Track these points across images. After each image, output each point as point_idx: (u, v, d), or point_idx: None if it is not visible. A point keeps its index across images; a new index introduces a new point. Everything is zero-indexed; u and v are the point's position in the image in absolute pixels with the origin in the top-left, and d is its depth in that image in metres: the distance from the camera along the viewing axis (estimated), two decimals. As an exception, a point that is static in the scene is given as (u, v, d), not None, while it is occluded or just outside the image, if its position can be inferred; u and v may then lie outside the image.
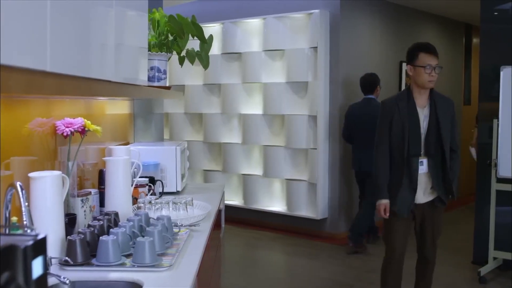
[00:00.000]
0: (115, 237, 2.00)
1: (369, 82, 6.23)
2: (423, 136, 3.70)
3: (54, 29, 1.28)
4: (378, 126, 3.83)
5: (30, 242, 0.92)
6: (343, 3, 6.69)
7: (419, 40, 8.17)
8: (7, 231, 1.54)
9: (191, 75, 7.58)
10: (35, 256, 0.92)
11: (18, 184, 1.50)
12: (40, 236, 0.97)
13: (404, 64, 7.68)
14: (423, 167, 3.72)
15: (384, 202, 3.80)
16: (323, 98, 6.64)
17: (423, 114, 3.71)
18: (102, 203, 2.61)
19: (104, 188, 2.60)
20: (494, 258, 5.34)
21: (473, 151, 6.87)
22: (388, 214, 3.80)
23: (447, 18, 8.79)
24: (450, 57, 9.04)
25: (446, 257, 5.98)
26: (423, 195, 3.80)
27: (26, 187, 1.93)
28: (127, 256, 2.04)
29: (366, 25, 7.15)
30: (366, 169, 5.62)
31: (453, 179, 3.80)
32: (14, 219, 1.80)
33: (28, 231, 1.40)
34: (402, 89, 7.71)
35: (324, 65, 6.62)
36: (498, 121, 5.17)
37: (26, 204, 1.47)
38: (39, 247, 0.95)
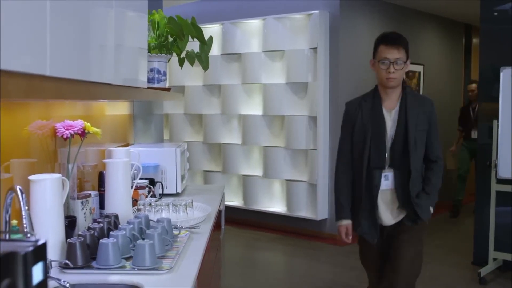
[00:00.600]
0: (115, 239, 2.00)
1: None
2: (388, 145, 3.06)
3: (53, 32, 1.28)
4: (340, 133, 3.28)
5: (30, 248, 0.91)
6: (342, 4, 6.69)
7: (419, 40, 8.23)
8: (7, 236, 1.54)
9: (191, 76, 7.57)
10: (35, 262, 0.92)
11: (18, 188, 1.50)
12: (40, 242, 0.96)
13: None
14: (388, 182, 3.09)
15: (345, 224, 3.19)
16: (323, 99, 6.64)
17: (391, 119, 3.07)
18: (102, 205, 2.60)
19: (104, 190, 2.60)
20: (494, 259, 5.34)
21: (450, 161, 7.35)
22: (350, 237, 3.19)
23: (447, 18, 8.79)
24: (450, 57, 9.05)
25: (446, 257, 5.99)
26: (390, 215, 3.14)
27: (26, 190, 1.93)
28: (127, 258, 2.04)
29: (365, 26, 7.15)
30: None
31: (430, 192, 3.13)
32: (14, 222, 1.80)
33: (28, 235, 1.40)
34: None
35: (324, 66, 6.62)
36: (498, 121, 5.17)
37: (26, 208, 1.47)
38: (39, 252, 0.95)
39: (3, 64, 1.02)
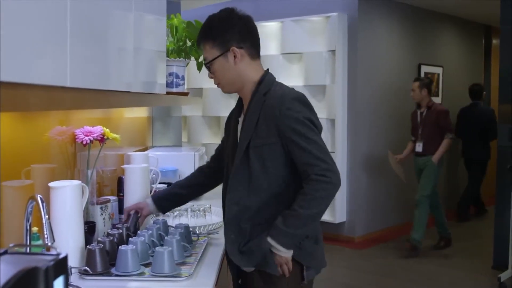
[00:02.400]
0: (134, 246, 2.01)
1: (475, 91, 7.74)
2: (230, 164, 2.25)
3: (73, 43, 1.29)
4: None
5: (52, 263, 0.92)
6: (361, 6, 6.67)
7: (438, 42, 8.17)
8: (28, 243, 1.55)
9: (209, 78, 7.57)
10: (56, 276, 0.92)
11: (38, 196, 1.51)
12: (62, 256, 0.97)
13: (423, 67, 7.67)
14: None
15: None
16: (341, 101, 6.62)
17: (241, 124, 2.22)
18: (121, 210, 2.62)
19: (123, 195, 2.61)
20: (515, 264, 5.28)
21: (398, 168, 6.34)
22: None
23: (466, 19, 8.72)
24: (470, 59, 8.98)
25: (465, 261, 5.94)
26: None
27: (46, 195, 1.95)
28: (146, 265, 2.05)
29: (384, 28, 7.11)
30: (472, 157, 7.76)
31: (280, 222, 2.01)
32: (34, 229, 1.81)
33: (49, 244, 1.41)
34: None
35: (342, 68, 6.60)
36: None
37: (47, 217, 1.48)
38: (61, 266, 0.96)
39: (25, 78, 1.03)
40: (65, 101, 1.25)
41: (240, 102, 2.27)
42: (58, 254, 0.96)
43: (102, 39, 1.58)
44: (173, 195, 2.48)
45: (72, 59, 1.27)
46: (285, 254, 2.02)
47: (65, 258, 0.98)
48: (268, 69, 2.22)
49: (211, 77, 2.21)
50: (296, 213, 1.98)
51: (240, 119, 2.21)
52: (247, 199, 2.07)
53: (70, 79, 1.26)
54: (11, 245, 1.02)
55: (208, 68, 2.18)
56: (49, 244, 1.47)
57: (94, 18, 1.48)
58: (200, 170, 2.59)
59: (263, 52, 2.29)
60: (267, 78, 2.15)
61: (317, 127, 2.09)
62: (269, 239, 2.01)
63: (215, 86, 2.25)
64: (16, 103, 1.00)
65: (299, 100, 2.07)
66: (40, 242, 1.83)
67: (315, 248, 2.18)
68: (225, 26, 2.13)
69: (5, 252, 0.99)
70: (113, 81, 1.67)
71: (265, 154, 2.05)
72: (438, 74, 8.10)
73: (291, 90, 2.11)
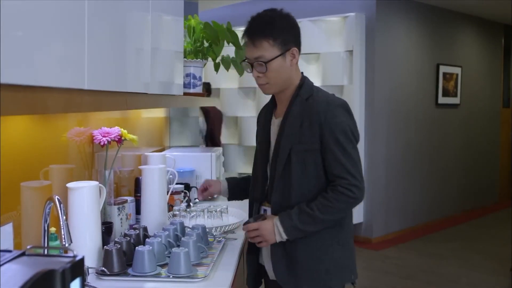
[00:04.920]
0: (150, 247, 2.01)
1: None
2: (270, 167, 2.22)
3: (91, 45, 1.30)
4: None
5: (68, 265, 0.93)
6: (378, 6, 6.64)
7: (456, 42, 8.11)
8: (45, 244, 1.56)
9: (226, 79, 7.59)
10: (73, 278, 0.93)
11: (56, 197, 1.52)
12: (78, 258, 0.98)
13: (441, 67, 7.61)
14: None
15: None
16: (359, 102, 6.60)
17: (275, 129, 2.23)
18: (138, 210, 2.63)
19: (140, 196, 2.62)
20: (534, 266, 5.23)
21: None
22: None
23: (485, 19, 8.65)
24: (489, 59, 8.90)
25: (483, 263, 5.89)
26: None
27: (64, 195, 1.96)
28: (163, 266, 2.05)
29: (402, 28, 7.08)
30: None
31: (299, 212, 2.06)
32: (52, 230, 1.83)
33: (66, 244, 1.43)
34: (438, 94, 7.62)
35: (359, 69, 6.58)
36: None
37: (64, 218, 1.49)
38: (77, 268, 0.96)
39: (43, 81, 1.04)
40: (83, 103, 1.26)
41: (272, 102, 2.29)
42: (74, 256, 0.97)
43: (120, 40, 1.59)
44: (247, 186, 2.48)
45: (90, 62, 1.28)
46: (280, 239, 2.11)
47: (82, 260, 0.98)
48: (303, 72, 2.22)
49: (258, 76, 2.11)
50: (313, 213, 2.04)
51: (276, 121, 2.22)
52: (289, 203, 2.12)
53: (88, 81, 1.26)
54: (28, 247, 1.03)
55: (262, 67, 2.08)
56: (67, 245, 1.48)
57: (111, 20, 1.49)
58: None
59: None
60: (306, 82, 2.18)
61: (356, 138, 2.11)
62: (277, 221, 2.10)
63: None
64: (34, 106, 1.01)
65: (344, 107, 2.10)
66: (58, 242, 1.85)
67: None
68: (287, 26, 2.12)
69: (23, 254, 1.00)
70: (130, 83, 1.68)
71: (307, 160, 2.08)
72: (457, 74, 8.03)
73: (335, 96, 2.15)
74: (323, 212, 2.04)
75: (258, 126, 2.37)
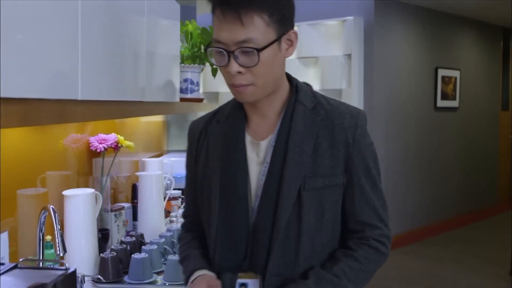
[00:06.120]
0: (146, 255, 2.02)
1: None
2: (253, 216, 1.42)
3: (85, 56, 1.30)
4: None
5: (60, 278, 0.93)
6: (377, 10, 6.64)
7: (455, 45, 8.12)
8: (41, 253, 1.56)
9: (224, 83, 7.50)
10: (64, 291, 0.93)
11: (51, 207, 1.52)
12: (70, 270, 0.98)
13: (440, 70, 7.62)
14: None
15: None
16: (357, 105, 6.56)
17: (259, 157, 1.45)
18: (135, 216, 2.63)
19: (137, 202, 2.63)
20: (533, 270, 5.23)
21: None
22: None
23: (484, 22, 8.66)
24: (488, 62, 8.90)
25: (482, 267, 5.89)
26: None
27: (61, 202, 1.97)
28: (159, 273, 2.05)
29: (400, 31, 7.08)
30: None
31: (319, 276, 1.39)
32: (48, 238, 1.83)
33: (60, 254, 1.43)
34: (437, 97, 7.62)
35: (358, 72, 6.58)
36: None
37: (59, 227, 1.49)
38: (69, 281, 0.97)
39: (35, 93, 1.04)
40: (76, 114, 1.26)
41: (240, 112, 1.50)
42: (67, 269, 0.97)
43: (114, 48, 1.59)
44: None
45: (83, 72, 1.28)
46: None
47: (74, 273, 0.98)
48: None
49: (239, 72, 1.34)
50: (339, 281, 1.39)
51: (262, 143, 1.45)
52: (294, 269, 1.40)
53: (82, 92, 1.27)
54: (21, 259, 1.03)
55: (250, 57, 1.32)
56: (61, 254, 1.49)
57: (105, 28, 1.49)
58: (191, 232, 1.63)
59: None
60: (300, 84, 1.50)
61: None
62: None
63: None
64: (26, 118, 1.02)
65: (366, 121, 1.49)
66: (53, 251, 1.85)
67: None
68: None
69: (15, 267, 1.00)
70: (125, 91, 1.68)
71: (325, 201, 1.41)
72: (456, 78, 8.03)
73: (349, 105, 1.51)
74: (352, 279, 1.41)
75: (206, 149, 1.52)
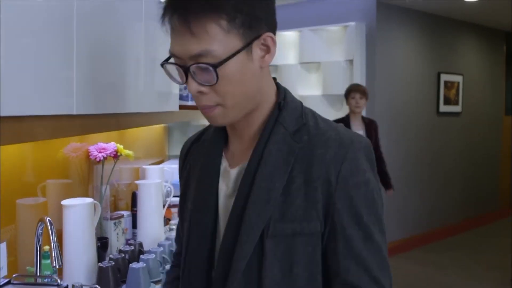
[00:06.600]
0: (144, 264, 2.03)
1: None
2: (220, 248, 1.16)
3: (80, 71, 1.31)
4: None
5: (52, 295, 0.94)
6: (379, 15, 6.65)
7: (458, 50, 8.12)
8: (38, 265, 1.58)
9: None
10: (56, 308, 0.94)
11: (47, 219, 1.54)
12: (63, 286, 0.99)
13: (442, 75, 7.62)
14: None
15: None
16: (359, 111, 6.61)
17: (229, 188, 1.20)
18: (134, 225, 2.64)
19: (136, 210, 2.64)
20: (535, 276, 5.22)
21: None
22: None
23: (486, 26, 8.65)
24: (491, 66, 8.89)
25: (483, 273, 5.88)
26: None
27: (61, 211, 1.98)
28: (157, 282, 2.06)
29: (402, 37, 7.08)
30: None
31: None
32: (46, 248, 1.84)
33: (57, 266, 1.44)
34: (440, 102, 7.62)
35: (360, 78, 6.58)
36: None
37: (55, 239, 1.51)
38: (61, 297, 0.98)
39: (29, 110, 1.05)
40: (72, 128, 1.28)
41: (219, 132, 1.27)
42: (59, 285, 0.99)
43: (111, 60, 1.60)
44: None
45: (79, 86, 1.29)
46: None
47: (66, 289, 1.00)
48: (275, 78, 1.26)
49: (200, 92, 1.09)
50: None
51: (233, 171, 1.20)
52: None
53: (77, 106, 1.28)
54: (14, 275, 1.04)
55: (206, 74, 1.06)
56: (57, 266, 1.50)
57: (100, 39, 1.50)
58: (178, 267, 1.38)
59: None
60: (289, 98, 1.24)
61: (383, 211, 1.20)
62: None
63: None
64: (21, 135, 1.03)
65: (367, 154, 1.16)
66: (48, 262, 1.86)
67: None
68: None
69: (9, 283, 1.01)
70: (122, 104, 1.69)
71: (296, 251, 1.11)
72: (458, 83, 8.03)
73: (348, 130, 1.19)
74: None
75: (187, 174, 1.33)
